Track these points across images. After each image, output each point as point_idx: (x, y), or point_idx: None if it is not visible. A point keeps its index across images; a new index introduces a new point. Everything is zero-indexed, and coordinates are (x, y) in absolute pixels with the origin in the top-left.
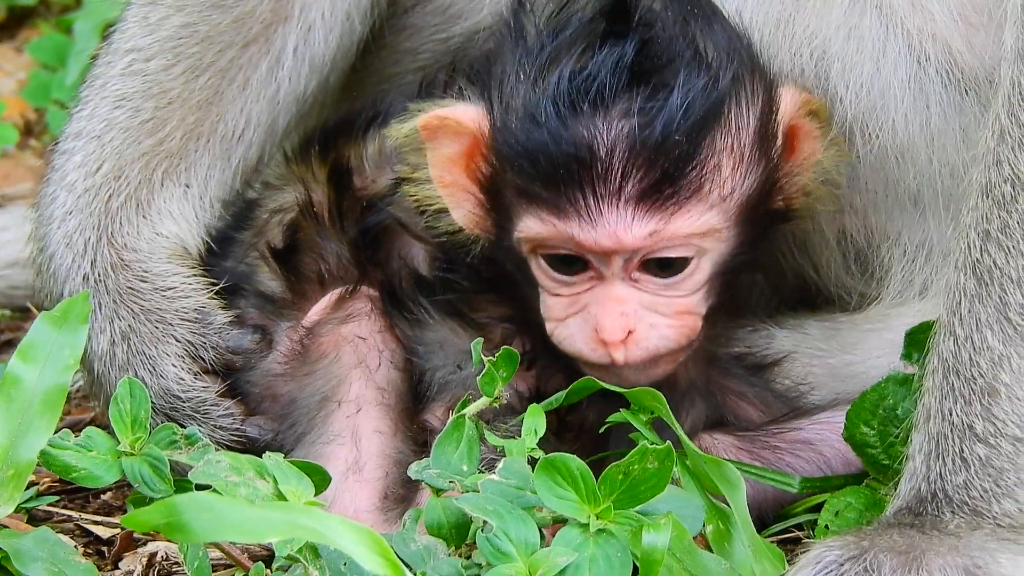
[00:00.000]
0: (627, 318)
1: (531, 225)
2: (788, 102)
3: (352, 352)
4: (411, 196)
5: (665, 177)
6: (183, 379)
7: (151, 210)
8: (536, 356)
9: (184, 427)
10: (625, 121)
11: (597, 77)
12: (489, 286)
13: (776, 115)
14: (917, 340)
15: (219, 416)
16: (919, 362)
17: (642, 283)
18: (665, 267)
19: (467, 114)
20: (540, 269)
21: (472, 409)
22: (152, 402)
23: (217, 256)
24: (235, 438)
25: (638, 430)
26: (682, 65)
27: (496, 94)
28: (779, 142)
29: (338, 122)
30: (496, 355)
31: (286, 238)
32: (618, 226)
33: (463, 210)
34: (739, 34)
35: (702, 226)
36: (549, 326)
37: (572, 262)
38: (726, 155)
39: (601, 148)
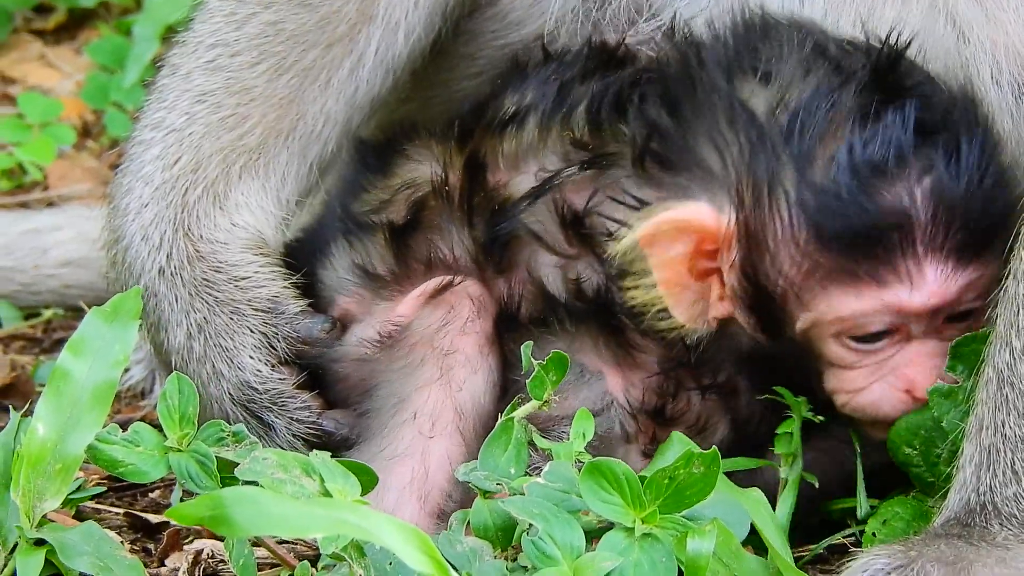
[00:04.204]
0: (939, 368)
1: (844, 305)
2: None
3: (435, 364)
4: (633, 300)
5: (977, 225)
6: (260, 371)
7: (228, 202)
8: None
9: (262, 419)
10: (931, 177)
11: (892, 140)
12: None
13: None
14: (961, 352)
15: (296, 408)
16: (963, 374)
17: (946, 332)
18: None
19: (699, 213)
20: (840, 347)
21: (521, 412)
22: (230, 394)
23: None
24: (311, 431)
25: None
26: (954, 118)
27: (754, 185)
28: None
29: (474, 112)
30: (547, 359)
31: (408, 215)
32: (941, 282)
33: (685, 307)
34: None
35: (999, 263)
36: (843, 397)
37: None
38: (1002, 192)
39: (917, 208)
